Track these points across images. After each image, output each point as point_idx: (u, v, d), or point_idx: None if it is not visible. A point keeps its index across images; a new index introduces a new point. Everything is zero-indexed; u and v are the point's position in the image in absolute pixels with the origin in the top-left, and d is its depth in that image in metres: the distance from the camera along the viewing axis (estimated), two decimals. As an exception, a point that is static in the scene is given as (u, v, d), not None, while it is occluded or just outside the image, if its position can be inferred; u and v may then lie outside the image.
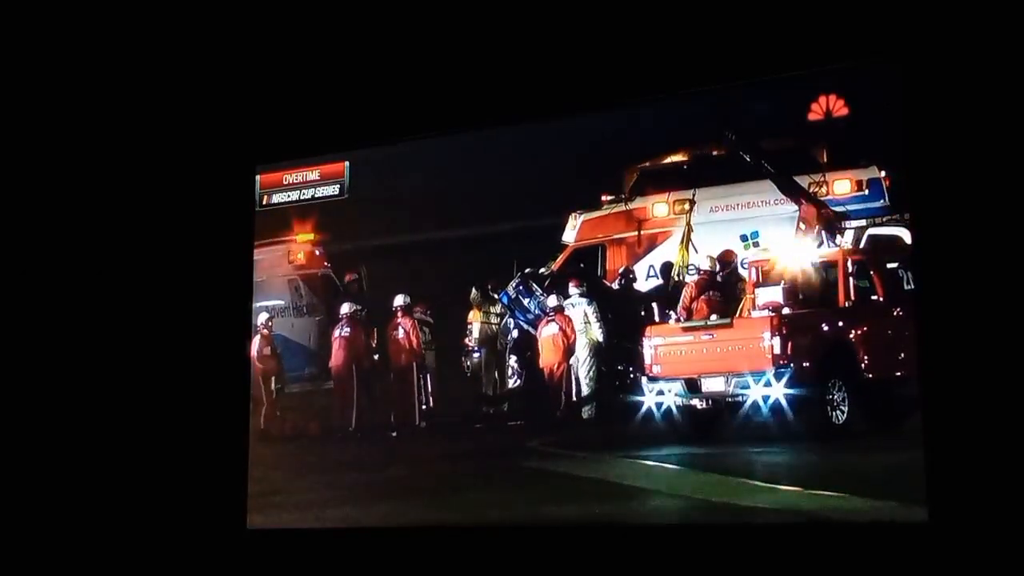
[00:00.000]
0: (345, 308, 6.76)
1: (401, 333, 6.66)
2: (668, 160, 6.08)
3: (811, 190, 5.64)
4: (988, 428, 4.86)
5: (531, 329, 6.42)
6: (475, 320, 6.56)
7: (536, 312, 6.42)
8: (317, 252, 6.92)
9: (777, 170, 5.69)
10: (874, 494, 5.13)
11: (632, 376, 5.96)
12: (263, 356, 6.84)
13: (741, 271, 5.89)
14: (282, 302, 6.99)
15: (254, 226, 6.88)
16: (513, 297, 6.45)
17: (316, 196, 6.83)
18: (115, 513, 6.62)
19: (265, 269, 6.90)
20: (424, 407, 6.54)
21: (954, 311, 4.98)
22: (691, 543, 5.41)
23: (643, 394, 5.80)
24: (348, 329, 6.77)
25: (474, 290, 6.52)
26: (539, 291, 6.41)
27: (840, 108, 5.49)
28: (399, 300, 6.64)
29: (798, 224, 5.71)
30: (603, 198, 6.17)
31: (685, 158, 6.02)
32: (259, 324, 6.84)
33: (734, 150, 5.76)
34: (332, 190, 6.81)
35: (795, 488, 5.35)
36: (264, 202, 6.93)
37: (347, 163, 6.76)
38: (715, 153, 5.89)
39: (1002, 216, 4.93)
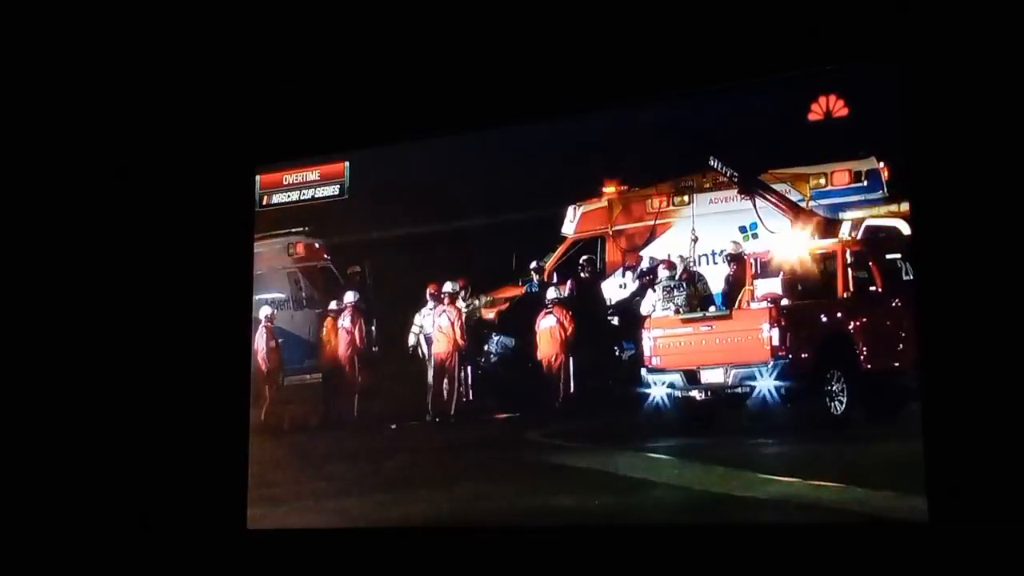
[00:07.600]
0: (348, 298, 6.76)
1: (445, 322, 6.53)
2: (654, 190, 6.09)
3: (810, 183, 5.67)
4: (987, 419, 4.89)
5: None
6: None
7: (498, 351, 6.43)
8: (316, 245, 6.93)
9: (766, 190, 5.72)
10: (873, 484, 5.16)
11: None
12: (265, 350, 6.83)
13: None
14: (282, 295, 6.99)
15: (254, 227, 6.90)
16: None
17: (316, 196, 6.85)
18: (115, 510, 6.62)
19: (265, 262, 6.92)
20: (465, 400, 6.44)
21: (953, 302, 5.01)
22: (690, 535, 5.43)
23: (642, 385, 5.81)
24: (349, 320, 6.76)
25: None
26: (495, 336, 6.42)
27: (840, 108, 5.52)
28: (448, 287, 6.51)
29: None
30: (602, 190, 6.18)
31: (671, 190, 6.02)
32: (262, 318, 6.84)
33: (723, 174, 5.79)
34: (332, 190, 6.83)
35: (794, 479, 5.37)
36: (264, 202, 6.96)
37: (347, 163, 6.78)
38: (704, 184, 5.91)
39: (1001, 207, 4.97)
